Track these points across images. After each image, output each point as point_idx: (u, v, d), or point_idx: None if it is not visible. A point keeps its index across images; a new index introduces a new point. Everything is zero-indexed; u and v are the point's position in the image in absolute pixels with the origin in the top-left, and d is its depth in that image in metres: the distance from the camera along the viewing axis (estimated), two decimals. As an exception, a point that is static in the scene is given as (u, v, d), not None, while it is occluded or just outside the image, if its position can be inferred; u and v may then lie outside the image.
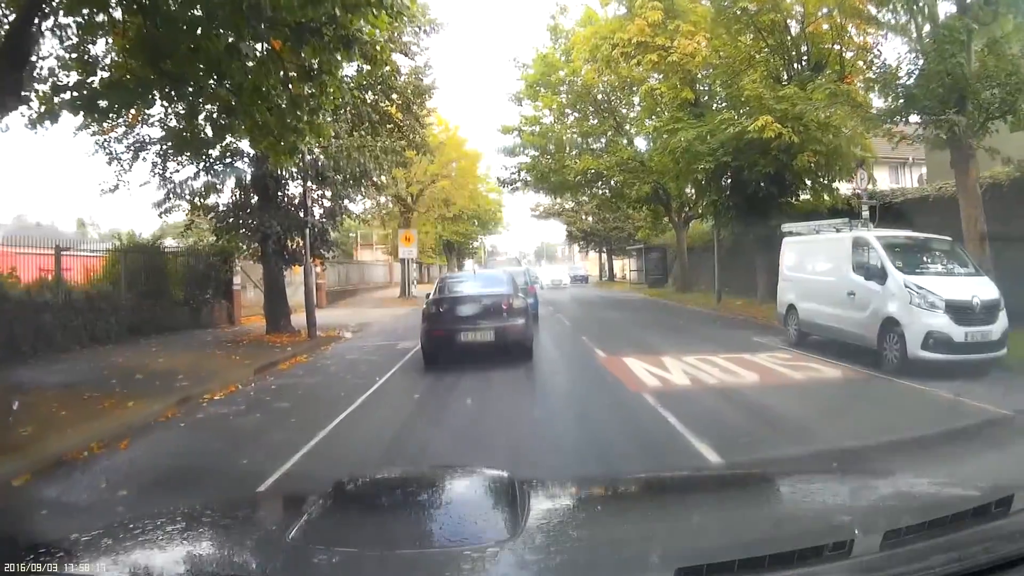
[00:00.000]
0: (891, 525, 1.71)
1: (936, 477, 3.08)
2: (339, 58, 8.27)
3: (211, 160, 14.89)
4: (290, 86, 8.58)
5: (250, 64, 7.99)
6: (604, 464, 5.59)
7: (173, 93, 9.27)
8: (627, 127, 30.52)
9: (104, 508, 4.76)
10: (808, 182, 19.39)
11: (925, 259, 10.63)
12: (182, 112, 10.18)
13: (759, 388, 8.55)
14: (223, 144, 14.71)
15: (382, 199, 34.43)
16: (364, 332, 17.77)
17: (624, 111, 30.45)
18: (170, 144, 12.78)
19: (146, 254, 17.02)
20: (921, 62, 12.93)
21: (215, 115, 9.81)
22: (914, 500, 2.21)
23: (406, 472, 3.63)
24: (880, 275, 10.11)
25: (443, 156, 35.53)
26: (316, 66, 8.39)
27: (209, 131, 10.29)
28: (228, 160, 15.12)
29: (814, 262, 12.45)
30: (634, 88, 26.58)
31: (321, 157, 15.18)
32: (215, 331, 17.25)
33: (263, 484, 5.02)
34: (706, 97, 22.31)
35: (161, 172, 14.75)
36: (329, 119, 10.18)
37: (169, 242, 19.49)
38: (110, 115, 10.07)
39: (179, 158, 14.66)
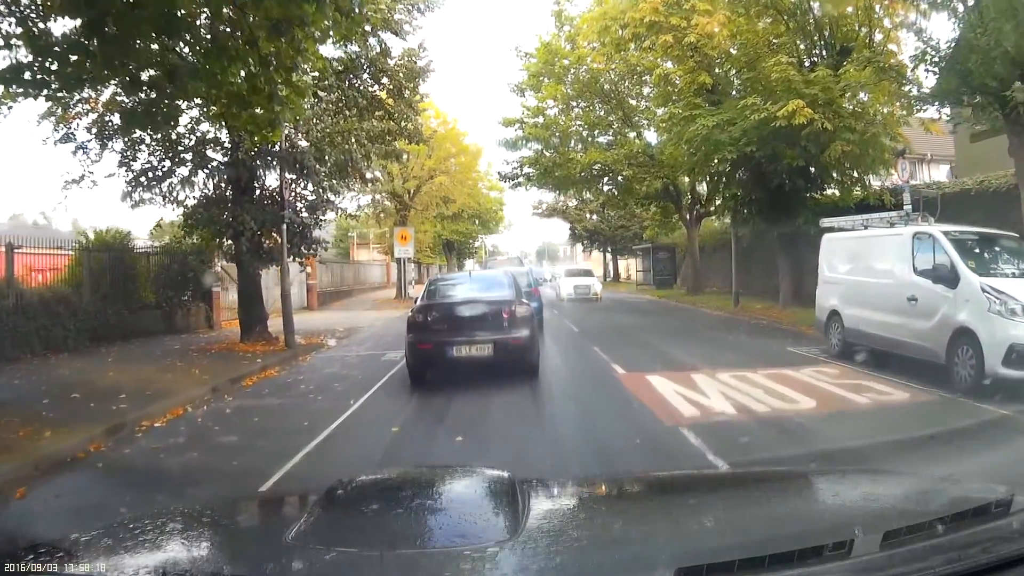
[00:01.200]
0: (891, 525, 1.66)
1: (936, 477, 2.94)
2: (306, 10, 6.83)
3: (180, 149, 13.57)
4: (259, 47, 7.24)
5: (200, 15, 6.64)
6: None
7: (116, 62, 7.93)
8: (636, 118, 28.93)
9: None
10: (836, 175, 17.89)
11: (994, 258, 9.18)
12: (126, 81, 8.77)
13: (821, 419, 6.87)
14: (196, 134, 13.58)
15: (377, 196, 32.97)
16: (350, 339, 16.27)
17: (633, 102, 28.81)
18: (120, 118, 11.34)
19: (113, 253, 15.54)
20: (972, 36, 11.52)
21: (164, 84, 8.40)
22: (914, 500, 2.13)
23: (406, 472, 3.39)
24: (950, 277, 8.55)
25: (441, 151, 34.09)
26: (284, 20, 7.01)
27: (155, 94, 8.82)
28: (199, 149, 13.76)
29: (863, 262, 10.82)
30: (644, 77, 25.06)
31: (302, 141, 13.64)
32: (188, 337, 15.91)
33: None
34: (721, 85, 20.75)
35: (128, 162, 13.52)
36: (308, 80, 8.80)
37: (139, 242, 17.95)
38: (44, 90, 8.67)
39: (145, 146, 13.46)
